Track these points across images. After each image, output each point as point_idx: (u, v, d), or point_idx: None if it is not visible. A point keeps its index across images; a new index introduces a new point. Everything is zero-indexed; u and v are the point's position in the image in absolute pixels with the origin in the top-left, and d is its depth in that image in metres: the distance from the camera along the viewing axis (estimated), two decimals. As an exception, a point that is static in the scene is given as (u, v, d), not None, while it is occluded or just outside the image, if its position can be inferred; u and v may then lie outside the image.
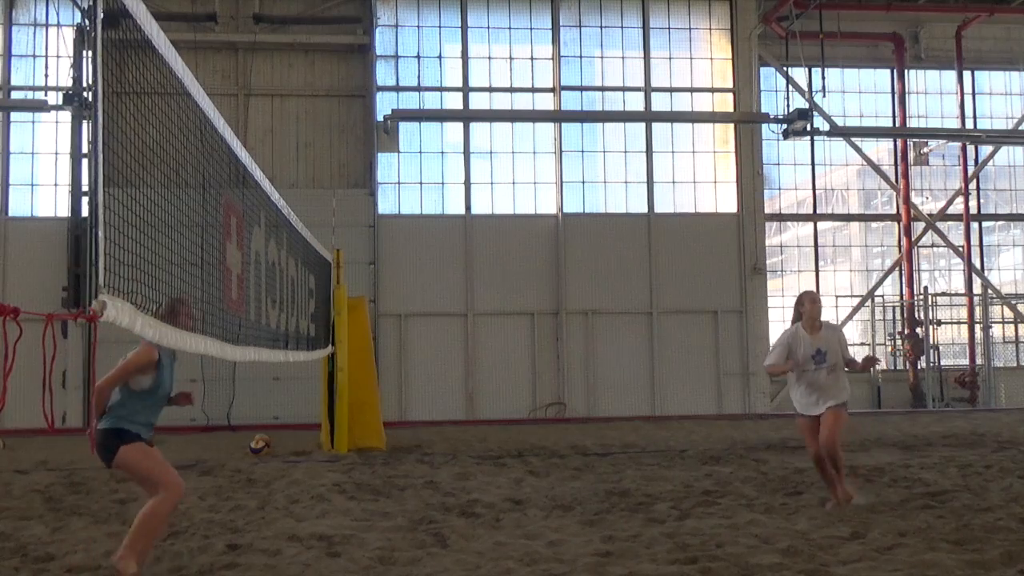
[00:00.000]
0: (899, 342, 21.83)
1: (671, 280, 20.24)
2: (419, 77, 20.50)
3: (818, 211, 22.18)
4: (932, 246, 22.79)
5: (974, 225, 22.58)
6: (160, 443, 14.81)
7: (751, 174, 20.95)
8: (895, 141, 22.31)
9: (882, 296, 22.32)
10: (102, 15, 4.02)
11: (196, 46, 18.79)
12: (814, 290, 7.67)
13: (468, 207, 20.25)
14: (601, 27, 21.06)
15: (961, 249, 22.34)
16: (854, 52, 21.97)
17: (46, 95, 18.92)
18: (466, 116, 20.45)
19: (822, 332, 7.56)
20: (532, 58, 20.87)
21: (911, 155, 22.27)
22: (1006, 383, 21.82)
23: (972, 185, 22.60)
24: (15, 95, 19.52)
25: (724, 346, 20.36)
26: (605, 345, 19.93)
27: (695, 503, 7.89)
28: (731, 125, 21.08)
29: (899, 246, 22.24)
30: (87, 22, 15.89)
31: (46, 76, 19.07)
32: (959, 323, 22.55)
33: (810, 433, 7.70)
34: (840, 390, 7.57)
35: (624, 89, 21.08)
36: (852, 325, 22.23)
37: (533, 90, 20.87)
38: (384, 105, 20.01)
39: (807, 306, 7.60)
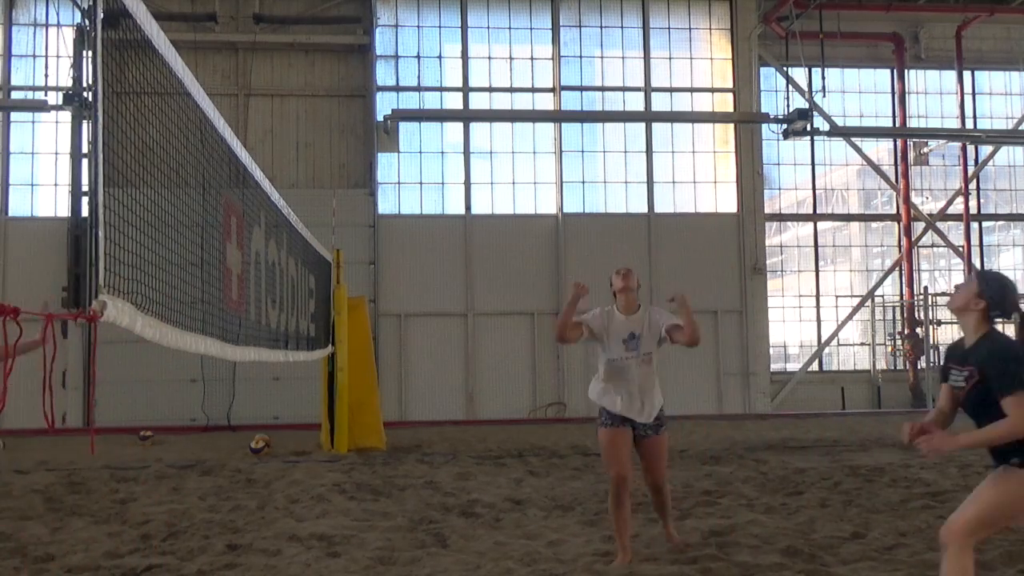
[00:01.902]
0: (899, 342, 21.84)
1: (671, 280, 20.18)
2: (419, 77, 20.50)
3: (818, 211, 22.19)
4: (932, 246, 22.79)
5: (974, 225, 22.58)
6: (160, 443, 14.90)
7: (751, 174, 20.95)
8: (895, 141, 22.32)
9: (882, 296, 22.33)
10: (102, 15, 4.02)
11: (196, 46, 18.79)
12: (629, 267, 6.17)
13: (468, 207, 20.25)
14: (601, 27, 21.06)
15: (961, 249, 22.34)
16: (854, 52, 21.97)
17: (46, 95, 18.92)
18: (466, 116, 20.45)
19: (638, 314, 6.01)
20: (532, 58, 20.87)
21: (911, 155, 22.28)
22: (1006, 383, 21.78)
23: (972, 185, 22.61)
24: (15, 95, 19.53)
25: (724, 346, 20.35)
26: (605, 345, 19.88)
27: (695, 503, 7.88)
28: (731, 125, 21.09)
29: (899, 246, 22.25)
30: (87, 22, 15.89)
31: (46, 76, 19.07)
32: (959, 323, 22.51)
33: (614, 447, 5.77)
34: (656, 394, 5.93)
35: (624, 89, 21.08)
36: (852, 325, 22.25)
37: (533, 90, 20.87)
38: (384, 105, 20.02)
39: (613, 282, 6.11)
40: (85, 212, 17.74)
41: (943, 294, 22.57)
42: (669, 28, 21.25)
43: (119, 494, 8.77)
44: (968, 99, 22.58)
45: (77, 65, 18.37)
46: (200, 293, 5.86)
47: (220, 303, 6.34)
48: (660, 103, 21.09)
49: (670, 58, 21.23)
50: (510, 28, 20.82)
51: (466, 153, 20.49)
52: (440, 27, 20.64)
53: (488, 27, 20.76)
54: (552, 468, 10.55)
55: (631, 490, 5.93)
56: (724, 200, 21.12)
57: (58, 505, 8.23)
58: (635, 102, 21.07)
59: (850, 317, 21.97)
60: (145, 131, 4.74)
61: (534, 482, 9.39)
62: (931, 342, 21.54)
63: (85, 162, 18.00)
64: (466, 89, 20.59)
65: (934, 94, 22.73)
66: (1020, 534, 6.36)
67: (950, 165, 22.97)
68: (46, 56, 19.32)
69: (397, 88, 20.44)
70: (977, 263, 22.40)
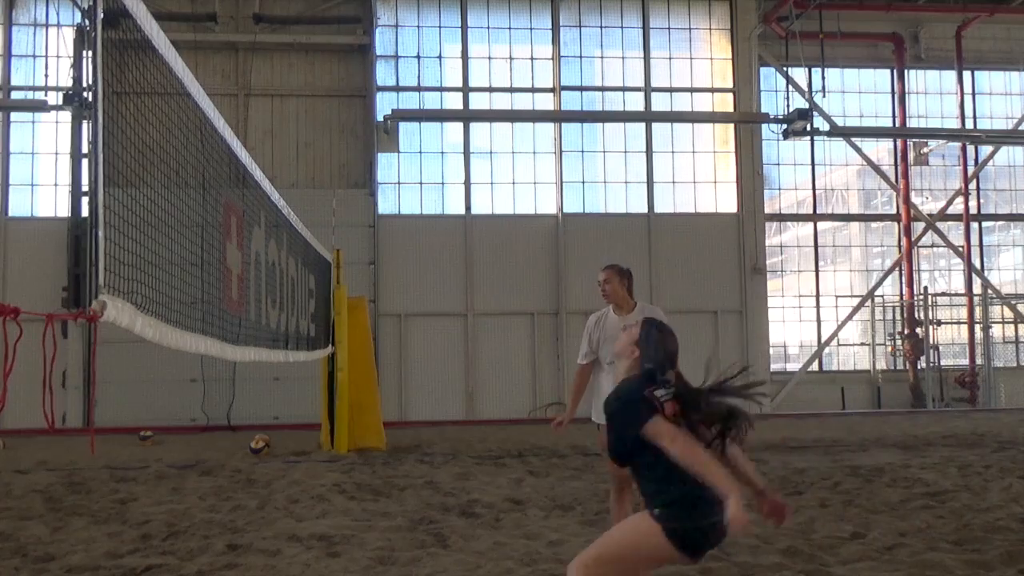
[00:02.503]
0: (899, 342, 21.83)
1: (671, 280, 20.24)
2: (419, 77, 20.50)
3: (818, 211, 22.18)
4: (932, 246, 22.79)
5: (974, 225, 22.58)
6: (160, 443, 14.89)
7: (751, 174, 20.94)
8: (895, 141, 22.31)
9: (882, 296, 22.33)
10: (102, 15, 4.02)
11: (196, 46, 18.78)
12: (619, 264, 6.08)
13: (468, 207, 20.24)
14: (601, 27, 21.06)
15: (961, 249, 22.34)
16: (854, 52, 21.97)
17: (46, 95, 18.90)
18: (466, 116, 20.45)
19: (635, 313, 5.95)
20: (532, 58, 20.86)
21: (911, 155, 22.27)
22: (1006, 383, 21.83)
23: (972, 185, 22.60)
24: (15, 95, 19.51)
25: (724, 346, 20.33)
26: (605, 345, 19.88)
27: (695, 503, 7.86)
28: (731, 125, 21.08)
29: (899, 246, 22.25)
30: (87, 22, 15.89)
31: (46, 76, 19.05)
32: (959, 323, 22.55)
33: None
34: None
35: (624, 89, 21.08)
36: (852, 325, 22.24)
37: (533, 90, 20.86)
38: (384, 105, 20.01)
39: (600, 282, 6.01)
40: (85, 212, 17.74)
41: (943, 294, 22.59)
42: (669, 28, 21.24)
43: (119, 494, 8.77)
44: (968, 99, 22.58)
45: (77, 65, 18.36)
46: (200, 293, 5.86)
47: (220, 303, 6.34)
48: (660, 103, 21.08)
49: (670, 58, 21.23)
50: (510, 28, 20.82)
51: (466, 153, 20.48)
52: (440, 27, 20.63)
53: (488, 27, 20.75)
54: (552, 468, 10.55)
55: (632, 492, 5.94)
56: (724, 200, 21.11)
57: (58, 505, 8.23)
58: (635, 102, 21.06)
59: (850, 317, 21.97)
60: (145, 131, 4.73)
61: (534, 482, 9.39)
62: (931, 342, 21.55)
63: (85, 162, 18.00)
64: (466, 89, 20.58)
65: (934, 94, 22.73)
66: (1020, 534, 6.36)
67: (950, 165, 22.97)
68: (46, 56, 19.31)
69: (397, 88, 20.43)
70: (977, 263, 22.41)
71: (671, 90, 21.19)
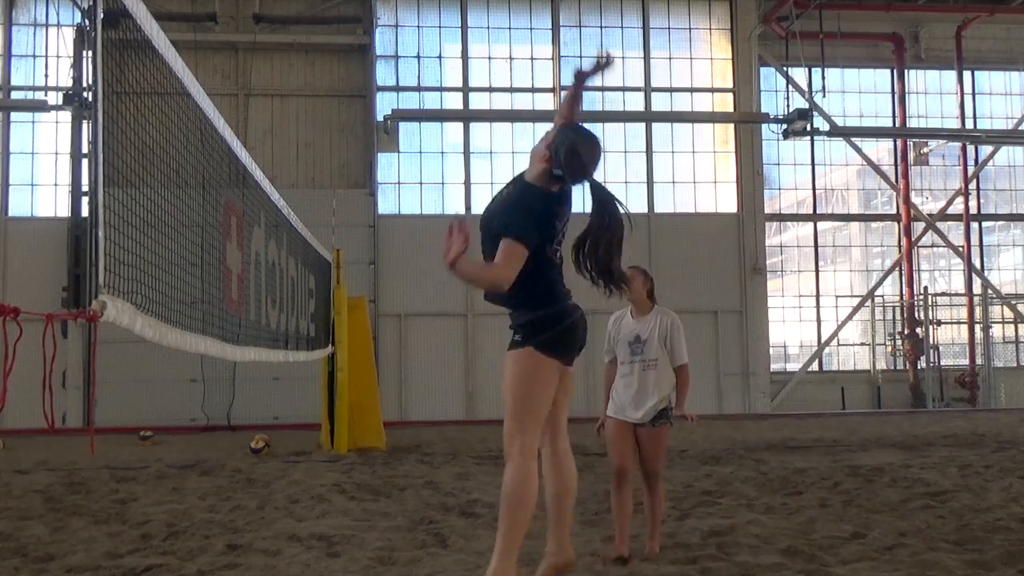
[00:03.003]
0: (899, 342, 21.84)
1: (671, 280, 20.18)
2: (419, 77, 20.51)
3: (818, 211, 22.19)
4: (932, 246, 22.80)
5: (974, 225, 22.59)
6: (160, 443, 14.88)
7: (751, 174, 20.95)
8: (895, 141, 22.33)
9: (882, 296, 22.33)
10: (102, 15, 4.02)
11: (196, 46, 18.79)
12: (642, 267, 6.13)
13: (468, 207, 20.24)
14: (601, 27, 21.07)
15: (961, 249, 22.34)
16: (854, 52, 21.98)
17: (46, 95, 18.92)
18: (466, 116, 20.45)
19: (648, 316, 6.00)
20: (532, 58, 20.88)
21: (911, 155, 22.29)
22: (1006, 383, 21.83)
23: (972, 185, 22.62)
24: (15, 95, 19.53)
25: (724, 346, 20.35)
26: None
27: (695, 503, 7.88)
28: (731, 125, 21.09)
29: (899, 246, 22.25)
30: (87, 22, 15.88)
31: (46, 76, 19.08)
32: (959, 323, 22.56)
33: (616, 440, 5.92)
34: (661, 395, 6.01)
35: (624, 89, 21.08)
36: (852, 325, 22.25)
37: (533, 90, 20.87)
38: (384, 105, 20.02)
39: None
40: (85, 212, 17.74)
41: (943, 294, 22.60)
42: (669, 28, 21.25)
43: (119, 494, 8.77)
44: (968, 99, 22.59)
45: (77, 65, 18.37)
46: (200, 293, 5.87)
47: (220, 303, 6.34)
48: (660, 103, 21.09)
49: (670, 58, 21.24)
50: (510, 28, 20.83)
51: (466, 153, 20.49)
52: (440, 27, 20.64)
53: (488, 27, 20.76)
54: (552, 468, 10.53)
55: (632, 486, 5.96)
56: (724, 200, 21.12)
57: (58, 505, 8.22)
58: (635, 102, 21.06)
59: (850, 317, 21.97)
60: (145, 131, 4.74)
61: (534, 482, 9.37)
62: (931, 342, 21.55)
63: (85, 162, 18.00)
64: (466, 89, 20.59)
65: (934, 94, 22.74)
66: (1020, 534, 6.36)
67: (950, 165, 22.98)
68: (46, 56, 19.32)
69: (397, 88, 20.44)
70: (977, 263, 22.41)
71: (671, 90, 21.20)
